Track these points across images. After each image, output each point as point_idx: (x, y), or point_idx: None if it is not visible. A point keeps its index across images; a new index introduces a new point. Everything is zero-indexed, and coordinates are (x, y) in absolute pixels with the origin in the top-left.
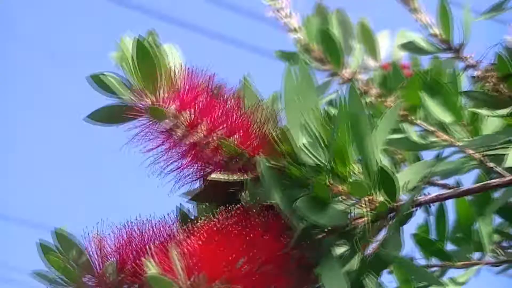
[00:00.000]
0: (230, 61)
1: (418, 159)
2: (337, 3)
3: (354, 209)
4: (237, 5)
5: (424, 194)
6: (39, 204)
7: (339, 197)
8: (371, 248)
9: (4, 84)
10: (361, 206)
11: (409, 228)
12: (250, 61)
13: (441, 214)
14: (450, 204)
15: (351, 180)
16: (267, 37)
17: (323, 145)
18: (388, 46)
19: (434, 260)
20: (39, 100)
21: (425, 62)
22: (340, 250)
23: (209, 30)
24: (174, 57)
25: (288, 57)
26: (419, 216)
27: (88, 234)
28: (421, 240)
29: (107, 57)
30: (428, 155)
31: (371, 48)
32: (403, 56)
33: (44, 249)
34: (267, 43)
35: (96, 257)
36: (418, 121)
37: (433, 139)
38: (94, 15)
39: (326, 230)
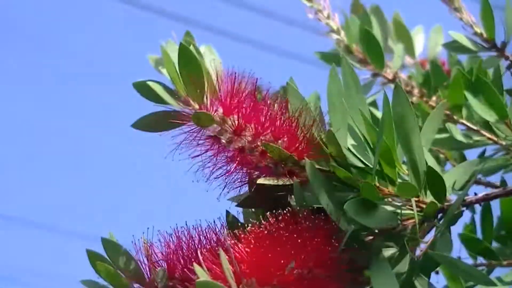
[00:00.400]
0: (260, 65)
1: (462, 158)
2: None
3: (402, 210)
4: (256, 6)
5: (474, 194)
6: (86, 213)
7: (387, 199)
8: (420, 249)
9: (53, 95)
10: (410, 207)
11: (456, 228)
12: (281, 66)
13: (487, 213)
14: (495, 203)
15: (399, 181)
16: (296, 41)
17: (370, 147)
18: (422, 42)
19: (480, 259)
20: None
21: (462, 59)
22: (389, 252)
23: (234, 33)
24: (213, 61)
25: (328, 58)
26: (464, 216)
27: (136, 241)
28: (468, 239)
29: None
30: (471, 155)
31: (407, 44)
32: (439, 53)
33: (92, 257)
34: (297, 47)
35: (145, 264)
36: (462, 120)
37: (477, 138)
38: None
39: (375, 232)
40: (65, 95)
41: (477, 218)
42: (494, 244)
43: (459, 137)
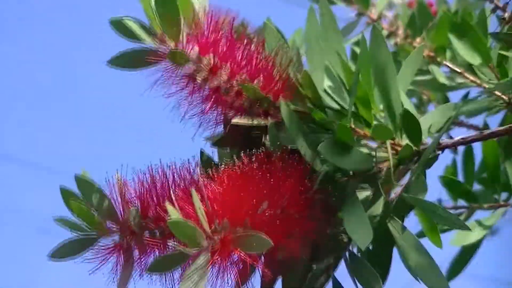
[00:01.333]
0: (252, 5)
1: (445, 100)
2: None
3: (377, 153)
4: None
5: (450, 137)
6: (58, 150)
7: (363, 141)
8: (395, 192)
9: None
10: (385, 150)
11: (438, 171)
12: (273, 6)
13: (468, 156)
14: (477, 145)
15: (374, 124)
16: None
17: (346, 88)
18: None
19: (461, 202)
20: (59, 41)
21: (451, 0)
22: (363, 194)
23: None
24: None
25: None
26: (447, 158)
27: (110, 179)
28: (449, 182)
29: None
30: (455, 97)
31: None
32: None
33: (66, 194)
34: None
35: (118, 202)
36: (446, 62)
37: (461, 80)
38: None
39: (349, 174)
40: (39, 27)
41: (459, 160)
42: (476, 187)
43: (442, 79)
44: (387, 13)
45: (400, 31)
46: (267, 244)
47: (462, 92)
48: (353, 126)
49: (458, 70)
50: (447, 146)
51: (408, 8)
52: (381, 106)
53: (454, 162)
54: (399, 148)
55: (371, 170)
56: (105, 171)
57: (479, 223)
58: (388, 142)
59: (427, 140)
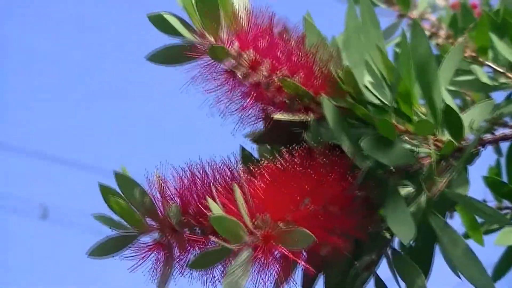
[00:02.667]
0: (293, 1)
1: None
2: None
3: (419, 148)
4: None
5: (492, 133)
6: (99, 147)
7: (404, 137)
8: (437, 188)
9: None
10: (427, 145)
11: (482, 171)
12: (315, 3)
13: None
14: None
15: (415, 119)
16: None
17: (387, 84)
18: None
19: (505, 203)
20: (100, 39)
21: (495, 2)
22: (405, 190)
23: None
24: None
25: None
26: (491, 159)
27: (150, 176)
28: (492, 182)
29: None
30: (498, 97)
31: None
32: None
33: (105, 191)
34: None
35: (158, 199)
36: (488, 62)
37: (503, 80)
38: None
39: (391, 170)
40: (81, 24)
41: (503, 161)
42: None
43: (485, 79)
44: (428, 15)
45: (442, 32)
46: (310, 239)
47: (505, 93)
48: (394, 121)
49: (500, 70)
50: (489, 142)
51: (451, 10)
52: (423, 102)
53: (497, 163)
54: (440, 144)
55: (413, 166)
56: (145, 168)
57: None
58: (430, 138)
59: (469, 136)
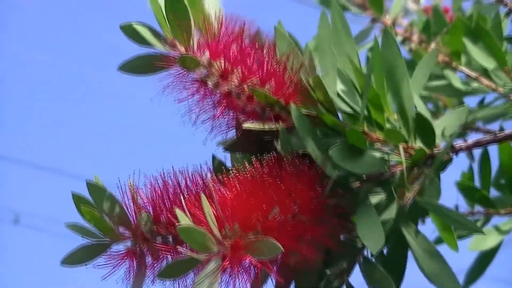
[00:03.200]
0: (268, 10)
1: (461, 105)
2: None
3: (390, 156)
4: None
5: (465, 140)
6: (70, 153)
7: (376, 145)
8: (408, 196)
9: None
10: (398, 153)
11: (454, 176)
12: (289, 10)
13: (485, 161)
14: (494, 151)
15: (387, 127)
16: None
17: (358, 92)
18: None
19: (478, 208)
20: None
21: (467, 6)
22: (376, 198)
23: None
24: (213, 4)
25: (326, 1)
26: (464, 164)
27: (122, 185)
28: (465, 187)
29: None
30: (471, 102)
31: None
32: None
33: (78, 200)
34: None
35: (131, 208)
36: (461, 67)
37: (476, 85)
38: None
39: (362, 178)
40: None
41: (475, 166)
42: (494, 193)
43: (457, 84)
44: (402, 19)
45: (415, 37)
46: (278, 249)
47: (478, 98)
48: (365, 129)
49: (473, 75)
50: (461, 149)
51: (423, 14)
52: (394, 110)
53: (470, 168)
54: (412, 152)
55: (384, 174)
56: (117, 177)
57: (497, 228)
58: (401, 146)
59: (441, 143)
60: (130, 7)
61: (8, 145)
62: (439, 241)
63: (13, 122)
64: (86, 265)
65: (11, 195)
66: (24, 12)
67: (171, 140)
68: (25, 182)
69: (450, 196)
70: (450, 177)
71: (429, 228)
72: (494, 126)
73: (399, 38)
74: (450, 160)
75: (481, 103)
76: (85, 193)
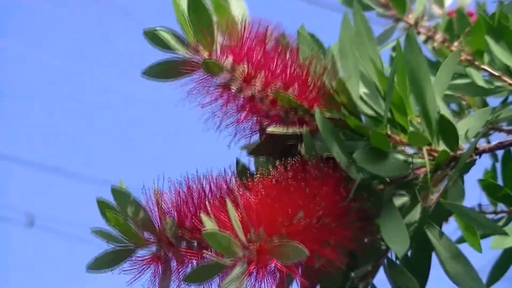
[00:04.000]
0: (290, 14)
1: (484, 105)
2: None
3: (414, 159)
4: None
5: (488, 142)
6: (96, 159)
7: (399, 148)
8: (432, 198)
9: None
10: (421, 155)
11: (477, 175)
12: (312, 14)
13: (508, 160)
14: None
15: (410, 130)
16: None
17: (381, 95)
18: None
19: (501, 206)
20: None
21: (491, 9)
22: (400, 201)
23: None
24: (239, 7)
25: (350, 2)
26: (487, 163)
27: (147, 190)
28: (488, 186)
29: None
30: (495, 102)
31: None
32: (469, 3)
33: (102, 205)
34: None
35: (155, 213)
36: (484, 66)
37: (499, 83)
38: None
39: (386, 181)
40: (79, 39)
41: (498, 166)
42: None
43: (480, 83)
44: (425, 21)
45: (438, 36)
46: (303, 253)
47: (501, 99)
48: (389, 132)
49: (496, 74)
50: (484, 151)
51: (448, 17)
52: (417, 112)
53: (493, 167)
54: (435, 154)
55: (408, 176)
56: (142, 182)
57: None
58: (425, 148)
59: (464, 145)
60: (141, 12)
61: (24, 148)
62: (460, 240)
63: (30, 125)
64: (111, 270)
65: (26, 198)
66: (29, 12)
67: (195, 144)
68: (39, 185)
69: (473, 196)
70: (473, 177)
71: (450, 227)
72: None
73: (422, 38)
74: (473, 162)
75: (504, 102)
76: (106, 197)
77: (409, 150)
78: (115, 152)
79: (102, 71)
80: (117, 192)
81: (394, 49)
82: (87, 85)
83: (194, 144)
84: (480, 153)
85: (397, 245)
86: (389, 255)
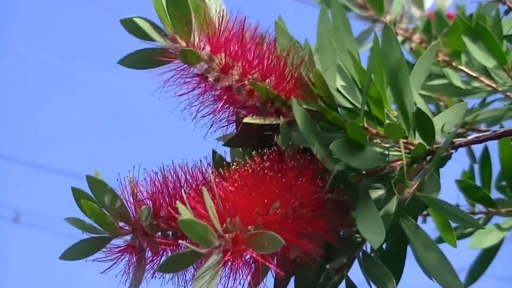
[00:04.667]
0: (268, 8)
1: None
2: None
3: (390, 152)
4: None
5: (464, 137)
6: (71, 152)
7: (376, 140)
8: (408, 191)
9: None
10: (398, 149)
11: (455, 176)
12: (289, 9)
13: (485, 160)
14: (494, 152)
15: (387, 122)
16: None
17: (358, 87)
18: None
19: (479, 207)
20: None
21: (471, 11)
22: (376, 193)
23: None
24: (215, 2)
25: (325, 1)
26: (465, 163)
27: (122, 179)
28: (466, 186)
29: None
30: (471, 102)
31: None
32: (449, 5)
33: (78, 194)
34: None
35: (130, 203)
36: (461, 67)
37: (477, 84)
38: None
39: (362, 173)
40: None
41: (476, 166)
42: (495, 195)
43: (458, 84)
44: (405, 23)
45: (416, 37)
46: (279, 243)
47: (478, 100)
48: (365, 125)
49: (474, 75)
50: (460, 145)
51: (427, 19)
52: (394, 105)
53: (471, 167)
54: (412, 147)
55: (384, 169)
56: (117, 172)
57: (497, 226)
58: (401, 141)
59: (440, 139)
60: (129, 5)
61: (8, 144)
62: (439, 241)
63: (13, 121)
64: (86, 259)
65: (11, 194)
66: (26, 10)
67: (171, 135)
68: (25, 181)
69: (450, 195)
70: (450, 177)
71: (428, 228)
72: (496, 128)
73: (399, 38)
74: (449, 156)
75: (483, 103)
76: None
77: (386, 144)
78: (91, 145)
79: (74, 62)
80: (92, 181)
81: (371, 49)
82: (58, 76)
83: (170, 135)
84: (456, 147)
85: (373, 237)
86: (364, 247)
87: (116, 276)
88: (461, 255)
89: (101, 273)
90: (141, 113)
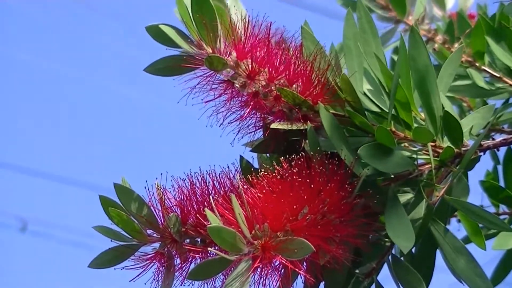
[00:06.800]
0: (290, 18)
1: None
2: None
3: (418, 156)
4: None
5: (492, 139)
6: (83, 161)
7: (403, 144)
8: (437, 195)
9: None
10: (426, 152)
11: (479, 177)
12: (313, 12)
13: (509, 161)
14: None
15: (415, 126)
16: None
17: (385, 91)
18: None
19: (503, 208)
20: (98, 55)
21: (494, 11)
22: (405, 197)
23: None
24: (236, 7)
25: (349, 3)
26: (489, 164)
27: (150, 187)
28: (490, 187)
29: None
30: (495, 103)
31: None
32: (471, 5)
33: (105, 203)
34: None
35: (158, 210)
36: (484, 67)
37: (500, 85)
38: None
39: (390, 177)
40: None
41: (500, 167)
42: None
43: (481, 84)
44: (426, 24)
45: (438, 37)
46: (308, 249)
47: (502, 101)
48: (393, 129)
49: (497, 75)
50: (488, 148)
51: (449, 19)
52: (421, 109)
53: (495, 168)
54: (440, 151)
55: (413, 173)
56: (145, 179)
57: None
58: (429, 145)
59: (468, 141)
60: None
61: (17, 154)
62: (466, 241)
63: (22, 131)
64: (114, 267)
65: (19, 203)
66: (26, 17)
67: (198, 141)
68: (33, 190)
69: (474, 196)
70: (474, 178)
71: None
72: None
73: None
74: (478, 159)
75: (506, 104)
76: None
77: (413, 147)
78: (117, 153)
79: (94, 74)
80: (120, 188)
81: (395, 52)
82: (79, 89)
83: (197, 142)
84: (484, 149)
85: (403, 241)
86: (393, 251)
87: (145, 283)
88: (483, 255)
89: (130, 280)
90: (167, 120)
